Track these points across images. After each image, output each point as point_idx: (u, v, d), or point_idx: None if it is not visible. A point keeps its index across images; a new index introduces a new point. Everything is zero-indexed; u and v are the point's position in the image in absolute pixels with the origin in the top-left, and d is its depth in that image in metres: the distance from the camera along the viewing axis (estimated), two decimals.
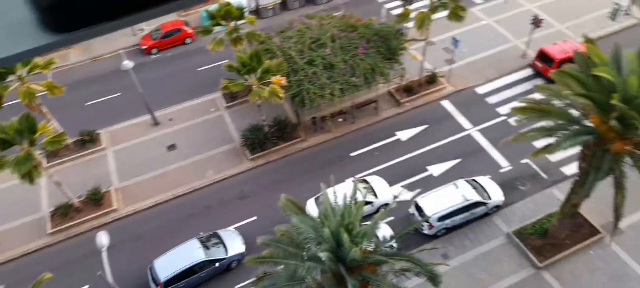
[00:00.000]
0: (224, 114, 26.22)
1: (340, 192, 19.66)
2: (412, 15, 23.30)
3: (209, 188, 22.67)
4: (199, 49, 29.66)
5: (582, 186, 14.69)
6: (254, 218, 21.09)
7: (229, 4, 22.87)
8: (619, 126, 13.47)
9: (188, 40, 31.24)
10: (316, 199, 20.22)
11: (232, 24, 22.95)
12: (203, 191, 22.57)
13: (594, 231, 19.09)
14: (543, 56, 26.08)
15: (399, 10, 25.98)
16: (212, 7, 24.08)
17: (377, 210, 19.89)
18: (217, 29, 23.37)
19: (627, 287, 17.70)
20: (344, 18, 24.97)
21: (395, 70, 23.97)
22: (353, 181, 21.08)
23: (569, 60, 24.82)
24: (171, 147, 24.66)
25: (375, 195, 20.56)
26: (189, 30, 31.03)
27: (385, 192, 20.81)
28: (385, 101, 25.79)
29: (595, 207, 18.75)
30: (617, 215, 14.85)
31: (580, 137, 14.21)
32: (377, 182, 21.19)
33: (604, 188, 15.41)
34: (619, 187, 14.61)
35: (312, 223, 12.88)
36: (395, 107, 25.56)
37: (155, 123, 25.75)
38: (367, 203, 19.78)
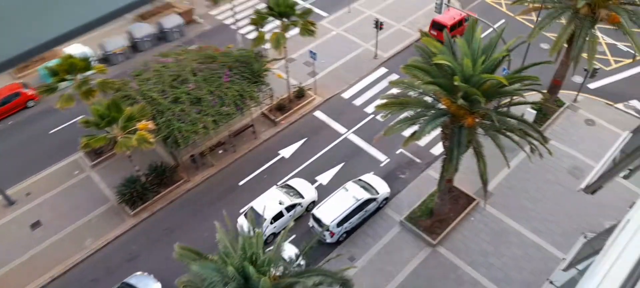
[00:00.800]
0: (91, 173, 23.92)
1: (264, 203, 20.07)
2: (267, 36, 23.98)
3: (92, 258, 20.45)
4: (47, 110, 26.65)
5: (450, 162, 16.58)
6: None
7: (70, 56, 21.01)
8: (465, 103, 15.55)
9: (31, 103, 27.83)
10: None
11: (79, 76, 21.11)
12: (86, 263, 20.28)
13: (470, 199, 21.63)
14: (436, 25, 29.22)
15: (253, 35, 26.55)
16: (52, 63, 21.78)
17: (307, 209, 21.38)
18: (63, 84, 21.27)
19: (506, 239, 20.35)
20: (201, 50, 24.67)
21: (263, 91, 24.39)
22: (276, 187, 21.81)
23: (458, 23, 29.20)
24: (35, 225, 21.67)
25: (301, 196, 21.42)
26: (30, 92, 27.68)
27: (309, 190, 21.99)
28: (262, 123, 26.06)
29: (466, 177, 21.29)
30: (484, 180, 17.08)
31: (438, 119, 16.06)
32: (299, 183, 22.27)
33: (469, 159, 17.59)
34: (479, 156, 16.84)
35: (214, 265, 12.47)
36: (273, 127, 25.99)
37: (10, 202, 22.42)
38: (294, 206, 20.86)
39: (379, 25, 28.63)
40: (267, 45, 25.86)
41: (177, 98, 21.75)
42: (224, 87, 22.58)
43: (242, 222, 20.22)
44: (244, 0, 35.33)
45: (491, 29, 25.04)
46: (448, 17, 29.71)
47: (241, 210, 21.59)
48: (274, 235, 20.56)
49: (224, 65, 23.42)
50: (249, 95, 23.06)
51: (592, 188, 10.24)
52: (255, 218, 17.03)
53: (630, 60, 28.32)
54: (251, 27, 32.57)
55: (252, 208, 20.31)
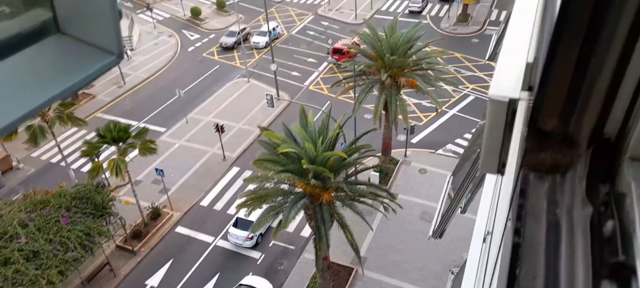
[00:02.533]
0: None
1: None
2: (105, 165, 22.64)
3: None
4: None
5: (320, 240, 17.39)
6: None
7: None
8: (318, 182, 16.78)
9: None
10: None
11: None
12: None
13: (349, 270, 22.57)
14: (336, 51, 38.39)
15: (88, 166, 24.74)
16: None
17: None
18: None
19: None
20: (27, 198, 21.91)
21: (112, 223, 22.47)
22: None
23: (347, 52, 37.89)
24: None
25: None
26: None
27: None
28: (119, 257, 23.67)
29: (339, 249, 22.22)
30: (355, 249, 18.24)
31: (298, 203, 16.92)
32: (259, 282, 21.56)
33: (336, 232, 18.62)
34: (344, 227, 18.05)
35: None
36: (132, 257, 23.77)
37: None
38: None
39: (220, 129, 29.42)
40: (108, 173, 24.25)
41: (8, 259, 18.60)
42: (65, 231, 20.17)
43: None
44: (69, 133, 32.84)
45: (320, 112, 27.92)
46: (343, 44, 38.71)
47: None
48: None
49: (59, 207, 21.06)
50: (96, 231, 20.97)
51: (438, 233, 11.73)
52: None
53: (435, 113, 34.14)
54: (84, 159, 30.34)
55: None
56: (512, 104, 0.93)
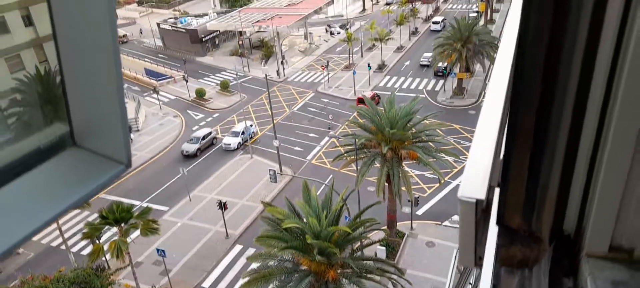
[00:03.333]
0: None
1: None
2: (106, 247, 22.30)
3: None
4: None
5: None
6: None
7: None
8: (323, 258, 16.42)
9: None
10: None
11: None
12: None
13: None
14: (361, 100, 38.33)
15: (89, 249, 24.36)
16: None
17: None
18: None
19: None
20: (25, 285, 21.37)
21: None
22: None
23: (373, 97, 41.11)
24: None
25: None
26: None
27: None
28: None
29: None
30: None
31: (303, 282, 16.45)
32: None
33: None
34: None
35: None
36: None
37: None
38: None
39: (223, 206, 29.26)
40: (108, 256, 23.81)
41: None
42: None
43: None
44: (71, 215, 32.68)
45: (323, 185, 27.92)
46: (370, 95, 41.50)
47: None
48: None
49: None
50: None
51: None
52: None
53: (438, 184, 34.05)
54: (85, 242, 29.92)
55: None
56: (479, 204, 0.99)
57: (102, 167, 0.93)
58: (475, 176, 1.01)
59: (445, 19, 63.46)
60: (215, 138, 41.71)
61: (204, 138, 40.53)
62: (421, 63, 53.03)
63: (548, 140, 0.83)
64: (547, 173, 0.86)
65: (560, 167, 0.84)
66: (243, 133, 40.28)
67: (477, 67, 47.05)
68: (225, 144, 40.03)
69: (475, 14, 61.78)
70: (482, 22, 57.83)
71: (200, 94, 50.61)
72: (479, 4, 66.05)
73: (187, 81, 52.86)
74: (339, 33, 65.67)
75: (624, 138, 0.72)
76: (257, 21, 61.36)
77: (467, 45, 40.92)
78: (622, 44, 0.69)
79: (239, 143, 39.73)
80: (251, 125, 42.22)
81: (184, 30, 64.68)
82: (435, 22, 64.54)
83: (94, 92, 0.90)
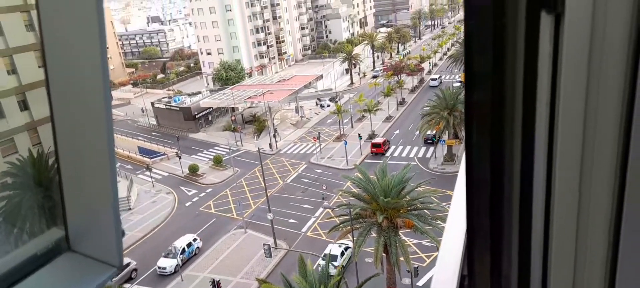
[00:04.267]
0: None
1: None
2: None
3: None
4: None
5: None
6: None
7: None
8: None
9: None
10: None
11: None
12: None
13: None
14: (375, 145, 49.02)
15: None
16: None
17: None
18: None
19: None
20: None
21: None
22: None
23: (385, 143, 50.44)
24: None
25: None
26: None
27: None
28: None
29: None
30: None
31: None
32: None
33: None
34: None
35: None
36: None
37: None
38: None
39: (216, 286, 28.34)
40: None
41: None
42: None
43: None
44: None
45: (319, 258, 27.31)
46: (381, 141, 50.05)
47: None
48: None
49: None
50: None
51: None
52: None
53: (437, 253, 33.50)
54: None
55: None
56: None
57: (96, 271, 0.96)
58: (446, 268, 1.06)
59: (441, 76, 69.70)
60: (198, 248, 35.90)
61: (183, 251, 34.25)
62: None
63: (503, 238, 0.90)
64: (507, 265, 0.91)
65: (517, 260, 0.91)
66: (183, 252, 34.14)
67: None
68: (160, 268, 33.48)
69: (458, 84, 64.06)
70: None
71: (193, 169, 50.69)
72: (461, 74, 68.75)
73: (180, 157, 53.12)
74: (329, 106, 67.37)
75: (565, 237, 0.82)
76: (249, 97, 63.01)
77: (454, 113, 42.03)
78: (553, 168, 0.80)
79: (178, 265, 32.67)
80: (195, 240, 35.99)
81: (177, 109, 66.03)
82: (433, 79, 73.09)
83: (90, 197, 0.95)
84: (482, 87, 0.83)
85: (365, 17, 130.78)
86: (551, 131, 0.79)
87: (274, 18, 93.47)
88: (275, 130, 58.21)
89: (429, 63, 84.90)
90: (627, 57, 0.70)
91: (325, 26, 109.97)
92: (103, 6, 0.91)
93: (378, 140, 51.36)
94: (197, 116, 65.21)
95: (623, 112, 0.73)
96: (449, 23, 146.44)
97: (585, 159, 0.77)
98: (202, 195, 46.70)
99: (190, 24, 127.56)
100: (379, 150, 49.28)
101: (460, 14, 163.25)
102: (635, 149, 0.73)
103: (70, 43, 0.90)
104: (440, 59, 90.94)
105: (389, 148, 50.24)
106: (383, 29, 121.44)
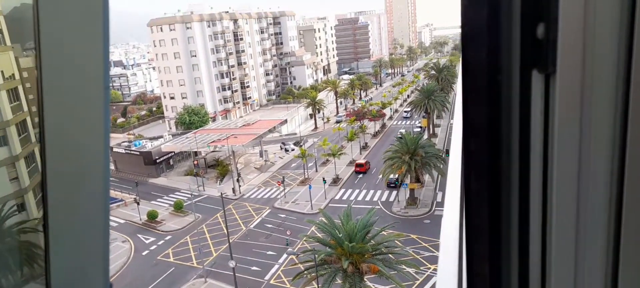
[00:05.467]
0: None
1: None
2: None
3: None
4: None
5: None
6: None
7: None
8: None
9: None
10: None
11: None
12: None
13: None
14: (358, 165, 55.46)
15: None
16: None
17: None
18: None
19: None
20: None
21: None
22: None
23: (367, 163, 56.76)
24: None
25: None
26: None
27: None
28: None
29: None
30: None
31: None
32: None
33: None
34: None
35: None
36: None
37: None
38: None
39: None
40: None
41: None
42: None
43: None
44: None
45: None
46: (364, 162, 56.20)
47: None
48: None
49: None
50: None
51: None
52: None
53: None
54: None
55: None
56: None
57: None
58: (447, 276, 1.14)
59: (412, 109, 72.72)
60: None
61: None
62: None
63: (502, 265, 0.97)
64: (507, 276, 0.98)
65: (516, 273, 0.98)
66: None
67: (427, 177, 49.13)
68: None
69: (419, 129, 66.06)
70: (425, 136, 61.78)
71: (152, 216, 48.95)
72: (422, 120, 71.22)
73: (138, 204, 51.28)
74: (293, 150, 67.56)
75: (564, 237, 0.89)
76: (213, 141, 62.40)
77: (415, 158, 43.09)
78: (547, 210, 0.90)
79: None
80: None
81: (137, 153, 64.35)
82: (407, 111, 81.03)
83: (78, 253, 0.97)
84: (478, 139, 0.91)
85: (328, 64, 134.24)
86: (544, 181, 0.88)
87: (239, 64, 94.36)
88: (239, 175, 57.56)
89: (390, 109, 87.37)
90: (614, 118, 0.78)
91: (290, 72, 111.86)
92: (108, 13, 0.90)
93: (361, 161, 57.95)
94: (158, 161, 63.71)
95: (614, 168, 0.80)
96: (408, 71, 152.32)
97: (580, 217, 0.84)
98: (160, 243, 44.96)
99: (153, 68, 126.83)
100: (361, 169, 55.97)
101: (419, 63, 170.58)
102: (629, 205, 0.80)
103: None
104: (401, 105, 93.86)
105: (369, 168, 56.23)
106: (346, 76, 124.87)
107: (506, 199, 0.93)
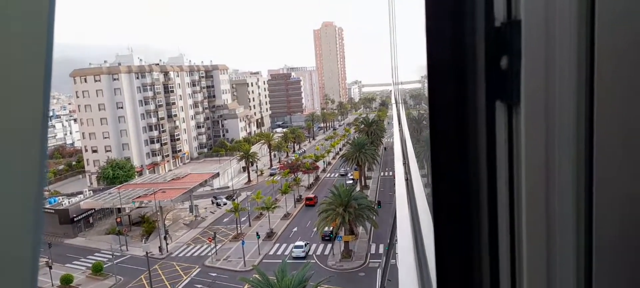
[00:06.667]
0: None
1: None
2: None
3: None
4: None
5: None
6: None
7: None
8: None
9: None
10: None
11: None
12: None
13: None
14: (308, 199, 62.59)
15: None
16: None
17: None
18: None
19: None
20: None
21: None
22: None
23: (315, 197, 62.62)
24: None
25: None
26: None
27: None
28: None
29: None
30: None
31: None
32: None
33: None
34: None
35: None
36: None
37: None
38: None
39: None
40: None
41: None
42: None
43: None
44: None
45: None
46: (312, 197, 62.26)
47: None
48: None
49: None
50: None
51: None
52: None
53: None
54: None
55: None
56: None
57: None
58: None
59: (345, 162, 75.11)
60: None
61: None
62: (293, 255, 47.60)
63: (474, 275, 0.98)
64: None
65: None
66: None
67: (361, 229, 49.63)
68: None
69: (351, 182, 67.30)
70: (358, 188, 63.04)
71: (66, 280, 44.48)
72: (353, 172, 72.84)
73: (50, 268, 46.49)
74: (225, 204, 65.66)
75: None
76: (139, 196, 59.02)
77: (348, 210, 43.55)
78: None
79: None
80: None
81: (52, 211, 59.12)
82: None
83: None
84: (446, 166, 0.94)
85: (261, 117, 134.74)
86: (511, 207, 0.90)
87: (170, 116, 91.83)
88: (167, 232, 54.51)
89: (324, 162, 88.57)
90: (577, 143, 0.81)
91: (222, 125, 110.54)
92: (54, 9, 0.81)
93: (310, 195, 66.14)
94: (75, 219, 58.83)
95: (580, 191, 0.83)
96: (339, 125, 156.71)
97: (549, 237, 0.86)
98: None
99: (74, 120, 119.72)
100: (311, 203, 62.56)
101: (349, 118, 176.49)
102: (598, 233, 0.82)
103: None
104: (333, 158, 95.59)
105: (317, 201, 59.49)
106: (279, 129, 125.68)
107: (476, 215, 0.95)
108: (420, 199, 1.95)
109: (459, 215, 0.95)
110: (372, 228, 48.48)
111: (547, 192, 0.84)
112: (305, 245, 48.31)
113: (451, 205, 0.95)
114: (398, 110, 7.67)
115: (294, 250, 47.70)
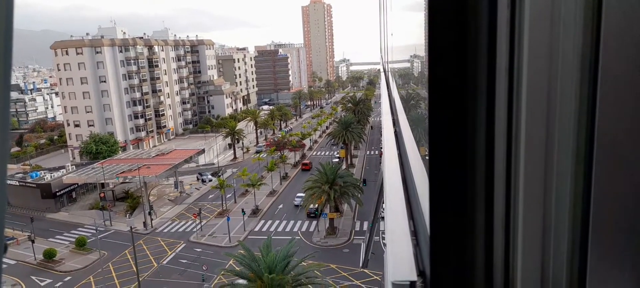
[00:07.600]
0: None
1: None
2: None
3: None
4: None
5: None
6: None
7: None
8: None
9: None
10: None
11: None
12: None
13: None
14: (304, 164, 69.01)
15: None
16: None
17: None
18: None
19: None
20: None
21: None
22: None
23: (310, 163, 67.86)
24: None
25: None
26: None
27: None
28: None
29: None
30: None
31: None
32: None
33: None
34: None
35: None
36: None
37: None
38: None
39: None
40: None
41: None
42: None
43: None
44: None
45: None
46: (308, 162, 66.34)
47: None
48: None
49: None
50: None
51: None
52: None
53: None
54: None
55: None
56: (412, 284, 1.07)
57: None
58: (402, 260, 1.09)
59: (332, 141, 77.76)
60: None
61: None
62: (295, 203, 54.91)
63: (467, 252, 0.96)
64: (472, 252, 0.96)
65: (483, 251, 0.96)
66: None
67: (346, 207, 50.03)
68: None
69: (337, 160, 67.55)
70: (343, 166, 63.31)
71: (49, 254, 44.18)
72: (340, 151, 73.07)
73: (33, 242, 46.07)
74: (211, 180, 65.46)
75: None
76: (122, 172, 58.44)
77: (334, 187, 43.79)
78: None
79: None
80: None
81: (34, 185, 58.25)
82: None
83: None
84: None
85: (248, 94, 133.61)
86: (508, 179, 0.88)
87: (154, 91, 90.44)
88: (151, 207, 54.27)
89: (310, 140, 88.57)
90: (579, 118, 0.81)
91: (208, 101, 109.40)
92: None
93: (306, 161, 72.37)
94: (58, 193, 58.11)
95: (579, 169, 0.81)
96: (326, 104, 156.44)
97: (545, 216, 0.85)
98: (58, 285, 40.57)
99: (56, 93, 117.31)
100: (306, 168, 68.29)
101: (337, 96, 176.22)
102: (596, 214, 0.81)
103: None
104: (320, 136, 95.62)
105: (312, 166, 65.40)
106: (266, 107, 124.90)
107: (472, 196, 0.94)
108: (413, 159, 1.92)
109: (455, 185, 0.94)
110: (357, 205, 48.92)
111: (545, 179, 0.84)
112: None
113: (447, 173, 0.95)
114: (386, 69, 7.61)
115: (295, 199, 55.84)
